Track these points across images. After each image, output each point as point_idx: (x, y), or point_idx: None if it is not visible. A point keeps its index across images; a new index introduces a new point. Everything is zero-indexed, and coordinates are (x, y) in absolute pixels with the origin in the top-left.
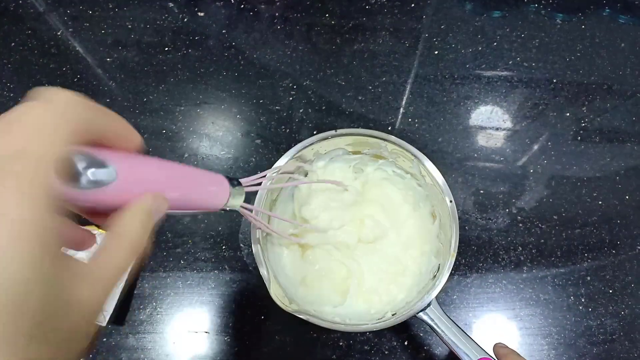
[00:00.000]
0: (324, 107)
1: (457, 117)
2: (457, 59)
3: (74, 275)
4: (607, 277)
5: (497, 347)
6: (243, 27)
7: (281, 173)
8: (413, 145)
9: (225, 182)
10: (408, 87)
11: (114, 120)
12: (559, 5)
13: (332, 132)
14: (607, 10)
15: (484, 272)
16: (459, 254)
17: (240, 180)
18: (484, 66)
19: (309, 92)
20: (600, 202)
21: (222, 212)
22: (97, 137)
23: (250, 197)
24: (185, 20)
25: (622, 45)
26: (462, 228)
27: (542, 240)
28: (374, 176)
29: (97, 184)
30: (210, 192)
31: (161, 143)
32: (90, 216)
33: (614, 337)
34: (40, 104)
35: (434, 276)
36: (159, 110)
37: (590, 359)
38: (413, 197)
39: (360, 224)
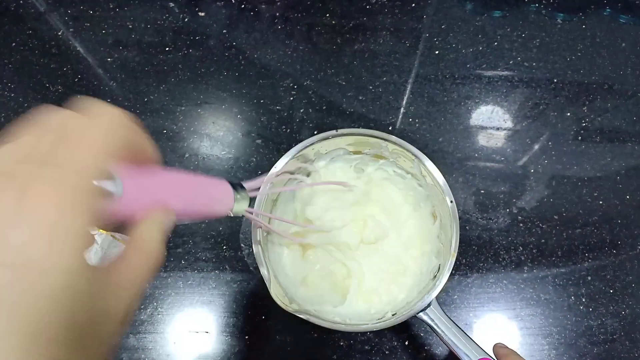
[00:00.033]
0: (324, 107)
1: (458, 117)
2: (457, 59)
3: (103, 286)
4: (608, 277)
5: (497, 348)
6: (244, 27)
7: (282, 173)
8: (414, 145)
9: (230, 189)
10: (409, 87)
11: (142, 138)
12: (560, 5)
13: (333, 132)
14: (608, 10)
15: (484, 272)
16: (459, 253)
17: (243, 184)
18: (484, 66)
19: (310, 92)
20: (601, 202)
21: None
22: (129, 153)
23: (252, 199)
24: (186, 20)
25: (623, 45)
26: (462, 228)
27: (543, 240)
28: (375, 176)
29: (105, 196)
30: (215, 201)
31: (162, 143)
32: None
33: (614, 337)
34: (91, 119)
35: (435, 276)
36: (160, 110)
37: (591, 359)
38: (414, 197)
39: (362, 224)
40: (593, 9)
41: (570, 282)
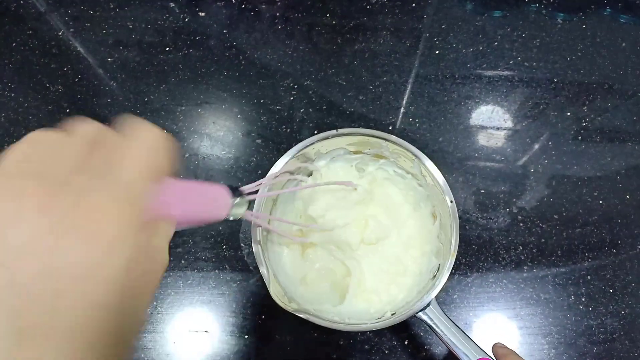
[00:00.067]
0: (324, 107)
1: (458, 116)
2: (457, 59)
3: (133, 295)
4: (608, 276)
5: (496, 347)
6: (244, 27)
7: (282, 173)
8: (414, 145)
9: (227, 194)
10: (409, 87)
11: (174, 158)
12: (560, 5)
13: (333, 131)
14: (608, 9)
15: (484, 271)
16: (459, 253)
17: (242, 188)
18: (484, 66)
19: (310, 92)
20: (601, 202)
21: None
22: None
23: (252, 201)
24: (187, 20)
25: (623, 44)
26: (462, 227)
27: (543, 240)
28: (376, 175)
29: None
30: (213, 207)
31: None
32: None
33: (614, 336)
34: (138, 139)
35: (434, 276)
36: (160, 110)
37: (591, 359)
38: (414, 197)
39: (363, 223)
40: (593, 9)
41: (570, 282)
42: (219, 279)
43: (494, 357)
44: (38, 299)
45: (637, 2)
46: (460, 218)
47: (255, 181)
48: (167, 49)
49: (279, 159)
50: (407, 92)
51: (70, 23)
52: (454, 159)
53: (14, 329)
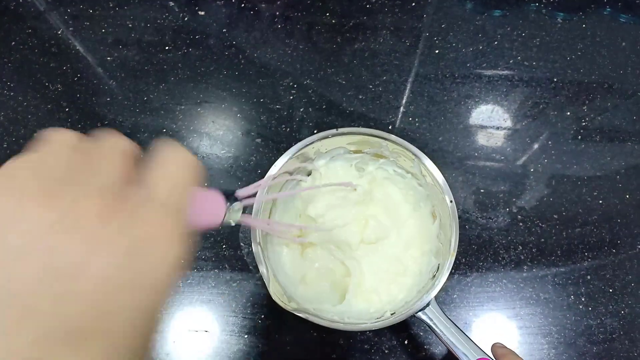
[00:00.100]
0: (324, 106)
1: (458, 116)
2: (457, 58)
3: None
4: (608, 276)
5: (496, 347)
6: (243, 26)
7: (281, 174)
8: (413, 144)
9: (221, 200)
10: (409, 86)
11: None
12: (560, 4)
13: (333, 130)
14: (608, 9)
15: (484, 271)
16: (459, 253)
17: (238, 192)
18: (484, 65)
19: (310, 91)
20: (600, 201)
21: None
22: None
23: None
24: (186, 19)
25: (623, 44)
26: (462, 227)
27: (543, 240)
28: (376, 175)
29: None
30: (206, 215)
31: None
32: None
33: (614, 336)
34: (180, 168)
35: (434, 276)
36: (160, 109)
37: (590, 358)
38: (414, 197)
39: (363, 224)
40: (593, 8)
41: (569, 282)
42: (218, 278)
43: (493, 357)
44: (95, 304)
45: (637, 1)
46: (460, 218)
47: (254, 181)
48: (167, 48)
49: (278, 158)
50: (407, 91)
51: (70, 22)
52: (454, 158)
53: (71, 329)
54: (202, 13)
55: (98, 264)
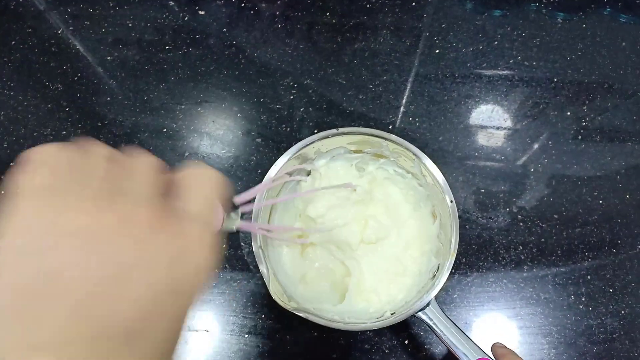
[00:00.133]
0: (324, 106)
1: (458, 116)
2: (457, 58)
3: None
4: (608, 276)
5: (495, 347)
6: (244, 25)
7: (280, 176)
8: (414, 144)
9: (219, 209)
10: (409, 86)
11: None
12: (560, 4)
13: (333, 130)
14: (608, 9)
15: (484, 271)
16: (459, 253)
17: (236, 198)
18: (484, 65)
19: (310, 91)
20: (600, 201)
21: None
22: None
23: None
24: (186, 18)
25: (623, 44)
26: (462, 227)
27: (543, 239)
28: (376, 175)
29: None
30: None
31: (162, 142)
32: None
33: (614, 336)
34: (211, 185)
35: (434, 276)
36: (160, 109)
37: (591, 358)
38: (414, 197)
39: (363, 224)
40: (593, 8)
41: (570, 281)
42: (218, 278)
43: (493, 357)
44: (143, 307)
45: (637, 1)
46: (460, 217)
47: (254, 181)
48: (167, 47)
49: (278, 158)
50: (407, 91)
51: (70, 21)
52: (454, 158)
53: (123, 330)
54: (202, 13)
55: (146, 269)
